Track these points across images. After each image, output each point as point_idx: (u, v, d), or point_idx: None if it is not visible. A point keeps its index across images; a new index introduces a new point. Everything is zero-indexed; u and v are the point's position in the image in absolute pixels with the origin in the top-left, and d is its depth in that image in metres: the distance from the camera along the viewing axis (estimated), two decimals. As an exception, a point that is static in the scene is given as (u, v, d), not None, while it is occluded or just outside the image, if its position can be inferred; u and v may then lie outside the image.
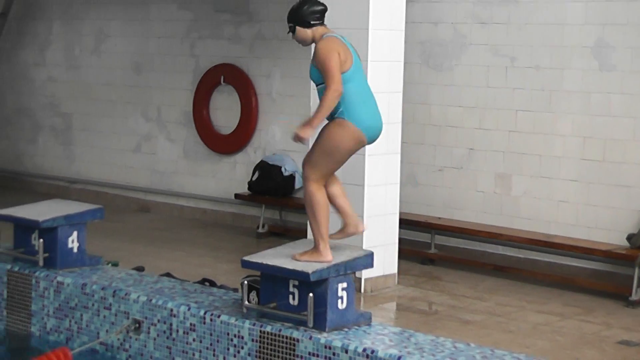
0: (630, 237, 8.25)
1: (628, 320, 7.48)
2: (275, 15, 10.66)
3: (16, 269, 7.96)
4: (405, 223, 8.97)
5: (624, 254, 8.19)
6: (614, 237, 8.42)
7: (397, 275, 8.38)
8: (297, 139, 6.37)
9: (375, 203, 8.11)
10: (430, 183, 9.59)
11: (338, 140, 6.48)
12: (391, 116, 8.17)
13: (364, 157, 7.90)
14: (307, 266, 6.37)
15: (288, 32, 6.72)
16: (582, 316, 7.53)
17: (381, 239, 8.16)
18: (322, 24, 6.65)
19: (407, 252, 9.00)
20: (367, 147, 7.74)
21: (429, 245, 9.26)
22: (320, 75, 6.46)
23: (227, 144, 11.14)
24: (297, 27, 6.61)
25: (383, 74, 8.06)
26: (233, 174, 11.04)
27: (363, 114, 6.56)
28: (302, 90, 8.89)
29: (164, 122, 11.74)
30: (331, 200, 6.54)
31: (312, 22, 6.60)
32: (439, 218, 9.38)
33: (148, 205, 11.81)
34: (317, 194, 6.50)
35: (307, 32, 6.62)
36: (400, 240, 8.55)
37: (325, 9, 6.67)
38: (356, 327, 6.46)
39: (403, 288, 8.24)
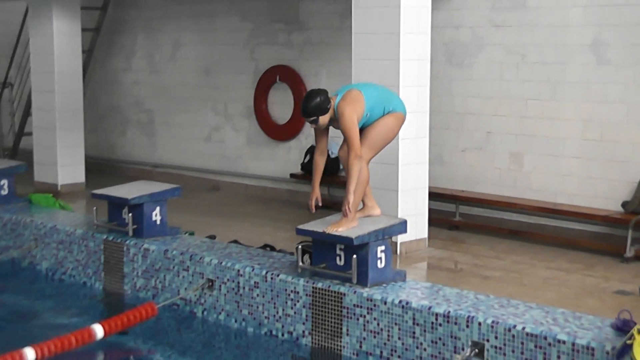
0: (624, 204, 8.19)
1: (623, 274, 7.42)
2: (321, 24, 10.66)
3: (111, 238, 8.05)
4: (434, 196, 8.97)
5: (619, 218, 8.13)
6: (611, 204, 8.35)
7: (427, 239, 8.34)
8: (347, 210, 6.42)
9: (407, 179, 8.07)
10: (454, 162, 9.55)
11: (394, 127, 6.81)
12: (420, 106, 8.12)
13: (397, 141, 7.84)
14: (351, 232, 6.38)
15: (312, 123, 6.56)
16: (584, 271, 7.48)
17: (413, 209, 8.12)
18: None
19: (436, 220, 8.95)
20: (401, 132, 7.77)
21: (454, 214, 9.21)
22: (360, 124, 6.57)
23: (282, 132, 11.15)
24: (320, 117, 6.50)
25: (413, 71, 8.00)
26: (288, 157, 11.06)
27: (399, 103, 6.78)
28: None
29: (230, 115, 11.77)
30: None
31: (328, 107, 6.51)
32: (462, 191, 9.34)
33: (218, 185, 11.86)
34: (367, 172, 6.62)
35: (326, 116, 6.53)
36: (429, 210, 8.50)
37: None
38: (393, 283, 6.47)
39: (433, 250, 8.20)
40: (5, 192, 9.72)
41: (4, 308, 7.99)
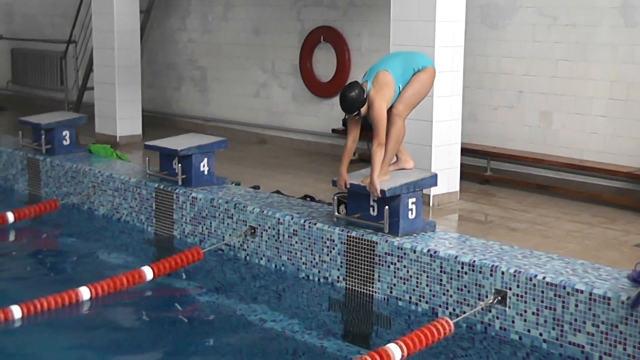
0: (647, 162, 8.07)
1: (643, 228, 7.31)
2: (364, -14, 10.57)
3: (162, 187, 8.12)
4: (467, 151, 8.87)
5: (642, 175, 8.01)
6: (634, 162, 8.20)
7: (459, 192, 8.27)
8: (374, 191, 6.30)
9: (441, 135, 8.00)
10: (487, 119, 9.42)
11: (426, 83, 6.74)
12: (454, 66, 8.01)
13: (432, 99, 7.76)
14: (383, 184, 6.35)
15: (355, 116, 6.44)
16: (606, 225, 7.36)
17: (446, 164, 8.06)
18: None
19: (468, 174, 8.88)
20: (435, 90, 7.73)
21: (485, 169, 9.11)
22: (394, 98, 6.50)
23: (326, 90, 11.09)
24: (360, 109, 6.38)
25: (448, 32, 7.88)
26: (331, 113, 11.01)
27: (424, 59, 6.75)
28: (384, 45, 8.74)
29: (277, 73, 11.73)
30: None
31: (365, 98, 6.37)
32: (494, 147, 9.22)
33: (265, 138, 11.85)
34: (404, 130, 6.58)
35: (365, 106, 6.39)
36: (462, 165, 8.43)
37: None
38: (423, 233, 6.46)
39: (464, 203, 8.14)
40: (67, 142, 9.83)
41: (64, 250, 8.14)
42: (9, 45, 16.40)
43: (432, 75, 6.68)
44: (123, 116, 11.64)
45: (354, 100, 6.32)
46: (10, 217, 8.39)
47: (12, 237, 8.41)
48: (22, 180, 9.94)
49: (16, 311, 5.98)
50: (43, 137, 9.72)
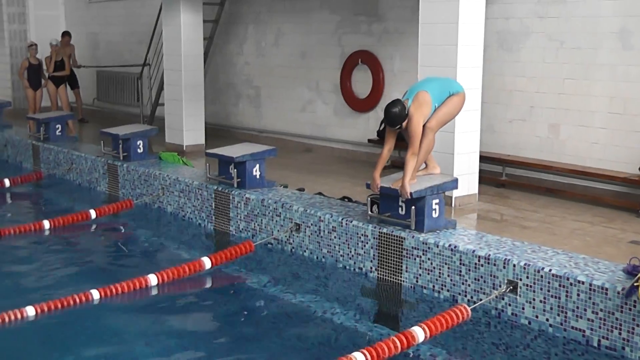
0: (642, 168, 7.91)
1: (638, 227, 7.14)
2: (396, 16, 10.47)
3: (220, 189, 8.14)
4: (485, 159, 8.77)
5: (636, 179, 7.83)
6: (630, 168, 8.04)
7: (477, 194, 8.18)
8: (405, 193, 6.23)
9: (462, 144, 7.92)
10: (502, 130, 9.31)
11: (457, 105, 6.67)
12: (474, 84, 7.93)
13: (454, 113, 7.71)
14: (411, 187, 6.30)
15: (397, 130, 6.40)
16: (605, 224, 7.23)
17: (466, 169, 7.98)
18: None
19: (486, 179, 8.78)
20: (456, 105, 7.63)
21: (501, 174, 8.99)
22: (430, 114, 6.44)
23: (363, 105, 11.04)
24: (402, 123, 6.33)
25: (469, 54, 7.82)
26: (367, 126, 10.96)
27: (457, 85, 6.72)
28: (413, 68, 8.70)
29: (321, 91, 11.71)
30: None
31: (406, 113, 6.31)
32: (508, 155, 9.09)
33: (310, 147, 11.84)
34: (434, 141, 6.56)
35: (405, 120, 6.33)
36: (481, 170, 8.36)
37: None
38: (445, 230, 6.40)
39: (482, 204, 8.05)
40: (141, 150, 9.92)
41: (137, 242, 8.20)
42: (94, 68, 16.63)
43: (463, 99, 6.64)
44: (188, 128, 11.72)
45: (397, 115, 6.29)
46: (93, 214, 8.49)
47: (93, 231, 8.51)
48: (103, 182, 10.05)
49: (95, 294, 6.05)
50: (121, 146, 9.83)
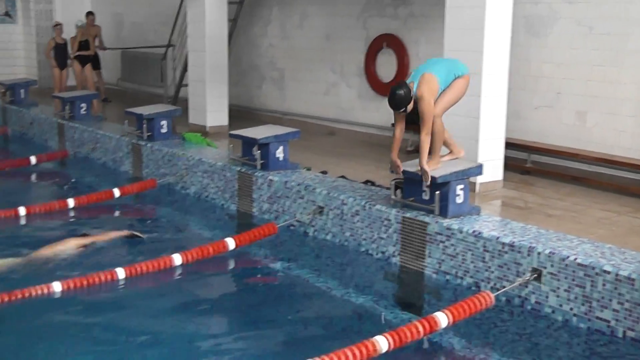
0: (671, 157, 7.79)
1: (666, 218, 7.07)
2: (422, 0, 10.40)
3: (243, 170, 8.14)
4: (510, 145, 8.64)
5: (666, 169, 7.74)
6: (660, 157, 7.96)
7: (502, 181, 8.11)
8: (426, 177, 6.19)
9: (487, 130, 7.85)
10: (528, 117, 9.21)
11: (462, 87, 6.59)
12: (500, 69, 7.84)
13: (479, 97, 7.63)
14: (435, 172, 6.26)
15: (401, 112, 6.31)
16: (632, 214, 7.13)
17: (491, 156, 7.91)
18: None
19: (511, 165, 8.68)
20: (483, 90, 7.60)
21: (526, 161, 8.90)
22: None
23: (387, 89, 10.81)
24: (407, 106, 6.25)
25: (495, 39, 7.72)
26: (390, 110, 10.82)
27: (463, 67, 6.57)
28: (439, 51, 8.61)
29: (345, 74, 11.65)
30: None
31: (411, 96, 6.23)
32: (534, 142, 9.01)
33: (333, 131, 11.80)
34: (442, 124, 6.48)
35: (411, 103, 6.26)
36: (506, 157, 8.25)
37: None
38: (469, 216, 6.33)
39: (506, 190, 7.98)
40: (165, 130, 9.93)
41: (160, 221, 8.22)
42: (119, 50, 16.65)
43: (467, 82, 6.54)
44: (212, 109, 11.71)
45: (402, 98, 6.22)
46: (117, 193, 8.52)
47: (117, 210, 8.54)
48: (127, 162, 10.08)
49: (120, 273, 6.07)
50: (145, 125, 9.84)
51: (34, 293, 5.65)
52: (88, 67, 14.55)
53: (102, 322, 5.39)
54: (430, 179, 6.24)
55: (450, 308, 5.11)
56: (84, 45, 14.40)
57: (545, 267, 5.43)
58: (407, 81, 6.41)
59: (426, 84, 6.27)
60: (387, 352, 4.70)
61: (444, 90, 6.42)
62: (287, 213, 7.55)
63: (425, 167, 6.19)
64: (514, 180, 8.43)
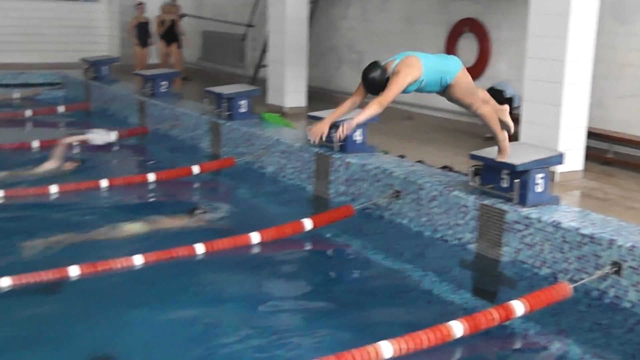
0: None
1: None
2: (507, -16, 10.26)
3: (321, 151, 8.16)
4: (592, 135, 8.48)
5: None
6: None
7: (582, 171, 7.95)
8: (341, 131, 5.99)
9: (568, 119, 7.70)
10: (612, 106, 9.00)
11: (470, 79, 6.29)
12: (585, 56, 7.67)
13: (562, 85, 7.50)
14: (515, 159, 6.20)
15: (374, 94, 5.96)
16: None
17: (573, 145, 7.77)
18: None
19: (592, 155, 8.51)
20: (566, 77, 7.44)
21: (608, 151, 8.71)
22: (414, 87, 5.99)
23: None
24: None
25: (581, 24, 7.55)
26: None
27: (454, 65, 6.22)
28: (522, 36, 8.50)
29: (424, 58, 11.57)
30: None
31: (386, 79, 5.90)
32: (617, 132, 8.80)
33: (411, 115, 11.75)
34: (490, 111, 6.35)
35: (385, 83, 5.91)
36: (587, 147, 8.10)
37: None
38: (548, 206, 6.24)
39: (586, 181, 7.82)
40: (244, 110, 10.07)
41: (238, 200, 8.36)
42: (200, 28, 16.91)
43: (466, 72, 6.25)
44: (290, 90, 11.80)
45: (375, 81, 5.90)
46: (196, 169, 8.69)
47: (196, 186, 8.71)
48: (206, 140, 10.27)
49: (199, 248, 6.21)
50: (224, 104, 10.00)
51: (116, 265, 5.82)
52: (174, 46, 14.82)
53: (177, 297, 5.50)
54: (344, 132, 5.97)
55: (527, 297, 5.07)
56: (169, 25, 14.67)
57: (625, 261, 5.32)
58: (388, 60, 6.08)
59: (409, 62, 5.91)
60: (461, 337, 4.71)
61: (453, 83, 6.09)
62: (364, 196, 7.57)
63: (352, 125, 5.93)
64: (594, 171, 8.26)
